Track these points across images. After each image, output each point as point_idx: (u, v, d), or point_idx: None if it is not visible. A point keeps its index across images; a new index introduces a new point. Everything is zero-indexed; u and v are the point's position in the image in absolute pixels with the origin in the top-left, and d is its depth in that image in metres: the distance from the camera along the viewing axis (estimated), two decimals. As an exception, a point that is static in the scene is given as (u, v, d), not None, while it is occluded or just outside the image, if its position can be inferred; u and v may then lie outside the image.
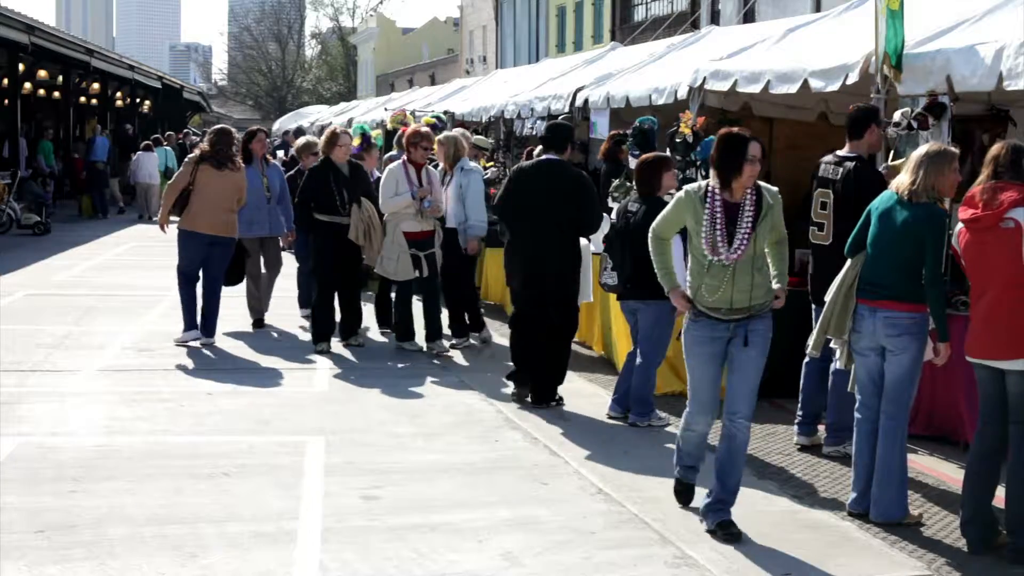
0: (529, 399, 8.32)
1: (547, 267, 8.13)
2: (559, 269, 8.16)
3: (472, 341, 10.47)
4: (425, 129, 10.50)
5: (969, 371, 5.92)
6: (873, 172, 7.00)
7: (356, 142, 11.49)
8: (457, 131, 11.37)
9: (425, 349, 10.12)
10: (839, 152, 7.13)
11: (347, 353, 10.10)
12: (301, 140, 13.08)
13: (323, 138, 10.50)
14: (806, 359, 7.32)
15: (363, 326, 10.62)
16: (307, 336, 10.49)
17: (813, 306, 7.23)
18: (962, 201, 5.55)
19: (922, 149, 5.90)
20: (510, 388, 8.63)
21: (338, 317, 10.38)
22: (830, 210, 7.06)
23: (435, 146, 10.35)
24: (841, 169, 7.01)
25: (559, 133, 8.35)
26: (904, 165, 6.06)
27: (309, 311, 11.04)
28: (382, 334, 10.94)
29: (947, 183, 5.82)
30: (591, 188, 8.29)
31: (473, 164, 10.69)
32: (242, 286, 11.24)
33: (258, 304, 11.28)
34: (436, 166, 10.51)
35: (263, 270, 11.30)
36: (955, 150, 5.97)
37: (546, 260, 8.11)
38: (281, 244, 11.48)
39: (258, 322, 11.24)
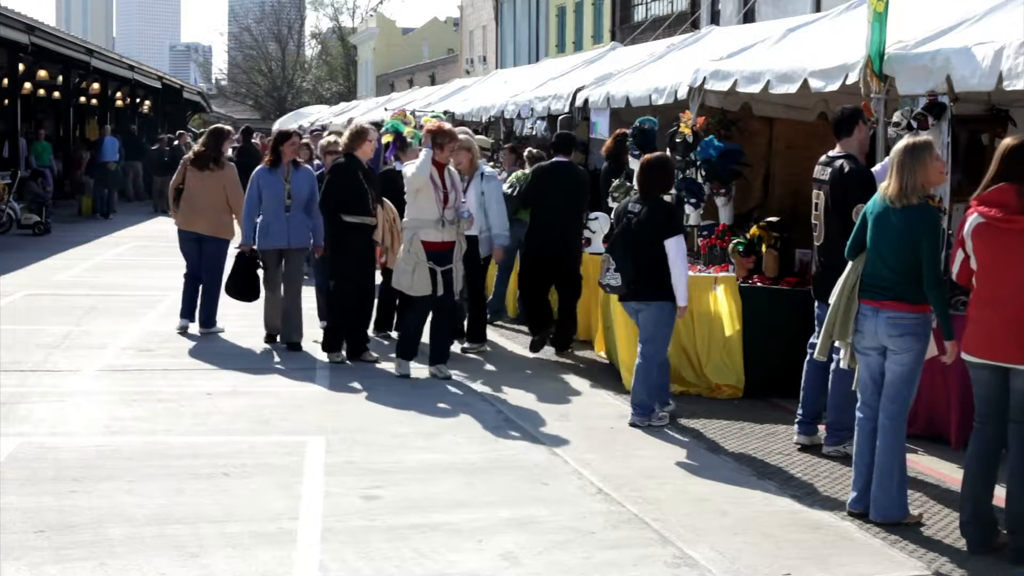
0: (554, 351, 10.34)
1: (564, 237, 10.23)
2: (572, 238, 10.35)
3: (466, 345, 10.36)
4: (448, 126, 9.42)
5: (962, 372, 5.92)
6: (861, 170, 6.99)
7: (387, 139, 11.22)
8: (464, 133, 10.72)
9: (428, 373, 9.20)
10: (830, 153, 7.15)
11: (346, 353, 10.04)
12: (327, 138, 11.65)
13: (348, 134, 9.78)
14: (807, 359, 7.32)
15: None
16: (308, 337, 10.44)
17: (816, 304, 7.22)
18: (979, 199, 5.48)
19: (898, 148, 5.88)
20: (512, 387, 8.72)
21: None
22: (821, 211, 7.08)
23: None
24: (830, 169, 7.03)
25: (566, 140, 10.65)
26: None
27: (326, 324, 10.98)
28: (379, 336, 10.82)
29: (932, 174, 5.82)
30: (588, 179, 10.78)
31: (488, 168, 10.47)
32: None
33: (273, 321, 10.39)
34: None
35: (281, 285, 10.35)
36: (929, 138, 5.98)
37: (563, 232, 10.22)
38: (317, 255, 10.48)
39: (270, 337, 10.39)
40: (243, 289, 10.35)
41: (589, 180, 10.75)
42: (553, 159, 10.57)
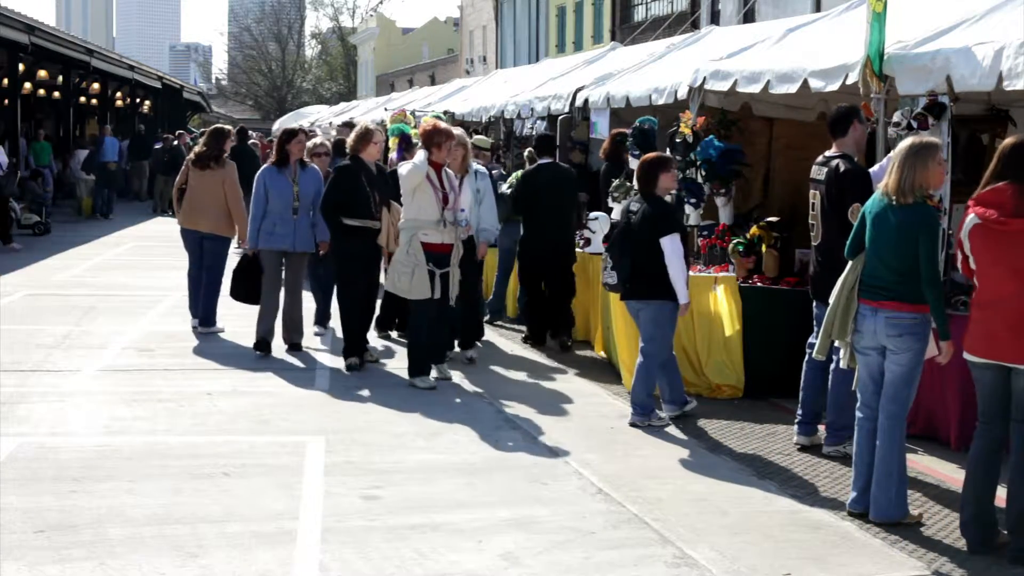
0: (551, 344, 10.72)
1: (556, 237, 10.55)
2: (565, 239, 10.68)
3: (470, 351, 10.17)
4: (445, 126, 9.14)
5: (961, 372, 5.90)
6: (856, 169, 7.00)
7: (393, 143, 11.10)
8: (458, 130, 10.46)
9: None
10: (827, 153, 7.15)
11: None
12: (313, 140, 11.41)
13: (354, 135, 9.51)
14: (806, 358, 7.32)
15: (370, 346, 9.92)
16: (308, 337, 10.42)
17: (815, 304, 7.22)
18: (977, 199, 5.48)
19: (903, 145, 5.88)
20: (512, 386, 8.72)
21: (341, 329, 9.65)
22: (819, 211, 7.09)
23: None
24: (826, 169, 7.04)
25: (547, 143, 11.28)
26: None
27: (323, 329, 10.93)
28: (380, 337, 10.81)
29: (933, 177, 5.80)
30: (575, 176, 11.16)
31: (480, 165, 10.36)
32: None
33: (266, 326, 9.96)
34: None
35: (282, 290, 10.08)
36: (936, 140, 5.95)
37: (556, 233, 10.56)
38: (321, 252, 10.02)
39: (261, 343, 9.91)
40: (246, 291, 10.06)
41: (576, 177, 11.19)
42: (538, 162, 11.01)
